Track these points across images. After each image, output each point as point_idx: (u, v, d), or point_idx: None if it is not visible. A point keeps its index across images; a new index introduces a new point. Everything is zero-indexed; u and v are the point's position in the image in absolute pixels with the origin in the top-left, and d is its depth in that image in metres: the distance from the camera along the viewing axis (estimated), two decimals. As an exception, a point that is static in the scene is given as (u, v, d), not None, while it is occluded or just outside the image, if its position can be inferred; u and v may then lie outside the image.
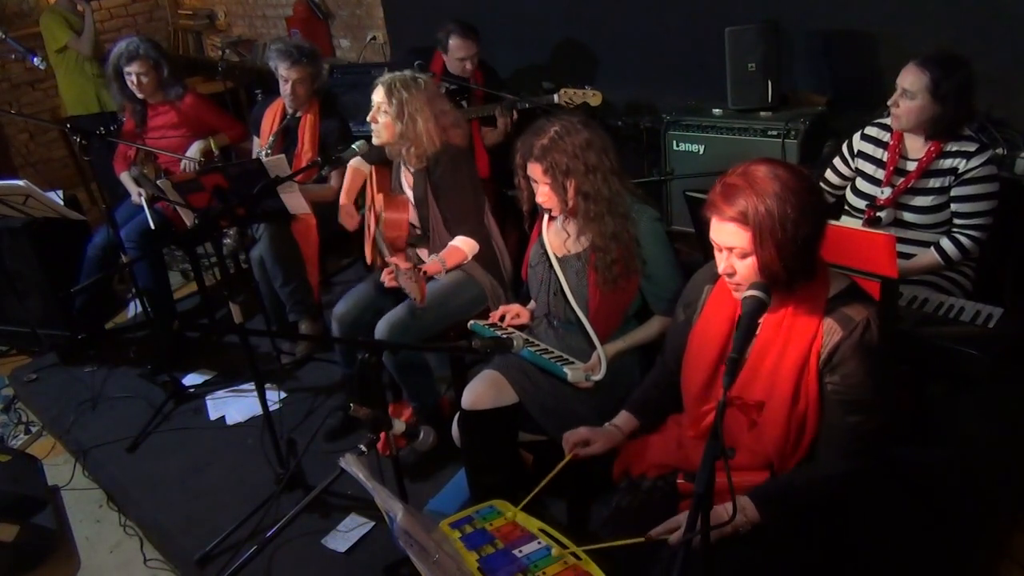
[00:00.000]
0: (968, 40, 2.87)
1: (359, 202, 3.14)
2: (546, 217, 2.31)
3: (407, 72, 2.71)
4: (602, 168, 2.13)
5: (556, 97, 3.44)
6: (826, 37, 3.34)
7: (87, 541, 2.74)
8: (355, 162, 3.06)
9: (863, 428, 1.57)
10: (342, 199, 3.08)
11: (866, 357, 1.54)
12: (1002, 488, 2.42)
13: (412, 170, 2.77)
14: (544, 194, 2.16)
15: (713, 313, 1.76)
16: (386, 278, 2.60)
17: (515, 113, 3.57)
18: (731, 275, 1.60)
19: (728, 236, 1.55)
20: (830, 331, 1.56)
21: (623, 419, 1.95)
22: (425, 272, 2.55)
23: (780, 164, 1.54)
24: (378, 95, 2.66)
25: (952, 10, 2.93)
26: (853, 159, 2.58)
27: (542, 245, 2.33)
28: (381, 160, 2.93)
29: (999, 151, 2.74)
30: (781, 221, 1.48)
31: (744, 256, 1.55)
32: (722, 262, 1.60)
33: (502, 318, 2.44)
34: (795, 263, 1.51)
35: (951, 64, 2.26)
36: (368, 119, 2.69)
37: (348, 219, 3.08)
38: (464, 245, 2.67)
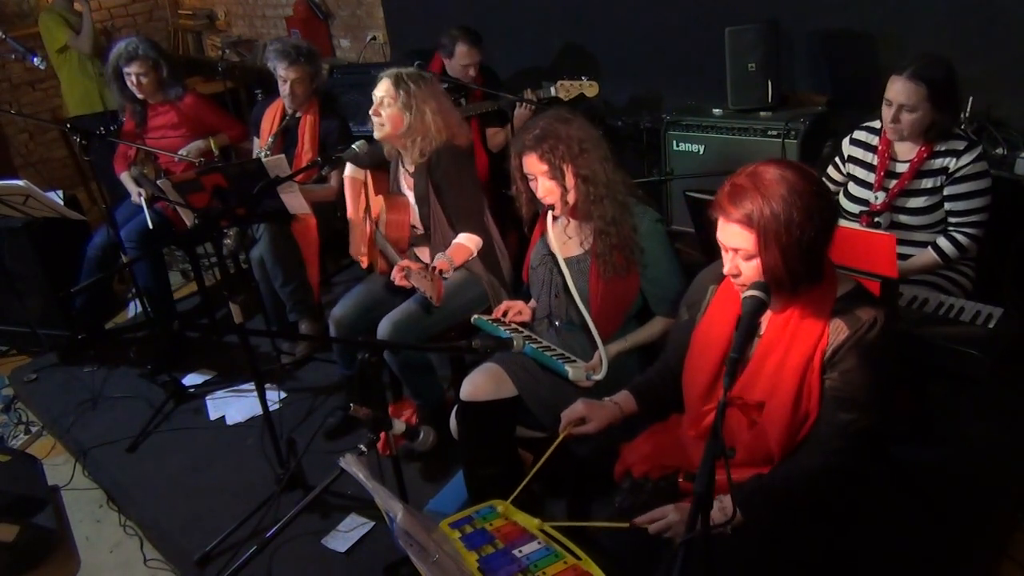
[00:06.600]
0: (968, 40, 2.87)
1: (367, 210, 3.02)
2: (549, 218, 2.31)
3: (411, 67, 2.70)
4: (596, 151, 2.14)
5: (553, 89, 3.42)
6: (826, 37, 3.34)
7: (87, 541, 2.74)
8: (350, 171, 2.98)
9: (853, 427, 1.56)
10: (350, 214, 2.98)
11: (868, 356, 1.53)
12: (1002, 488, 2.42)
13: (411, 169, 2.76)
14: (544, 187, 2.16)
15: (717, 313, 1.75)
16: (397, 276, 2.56)
17: (533, 103, 3.43)
18: (736, 276, 1.59)
19: (733, 237, 1.54)
20: (836, 330, 1.55)
21: (623, 397, 1.92)
22: (440, 271, 2.49)
23: (789, 166, 1.52)
24: (383, 87, 2.61)
25: (952, 10, 2.93)
26: (844, 164, 2.59)
27: (545, 246, 2.32)
28: (375, 164, 2.89)
29: (999, 151, 2.73)
30: (786, 224, 1.46)
31: (749, 258, 1.53)
32: (728, 263, 1.59)
33: (505, 314, 2.44)
34: (800, 266, 1.50)
35: (938, 69, 2.27)
36: (371, 112, 2.63)
37: (359, 244, 2.89)
38: (469, 242, 2.65)
